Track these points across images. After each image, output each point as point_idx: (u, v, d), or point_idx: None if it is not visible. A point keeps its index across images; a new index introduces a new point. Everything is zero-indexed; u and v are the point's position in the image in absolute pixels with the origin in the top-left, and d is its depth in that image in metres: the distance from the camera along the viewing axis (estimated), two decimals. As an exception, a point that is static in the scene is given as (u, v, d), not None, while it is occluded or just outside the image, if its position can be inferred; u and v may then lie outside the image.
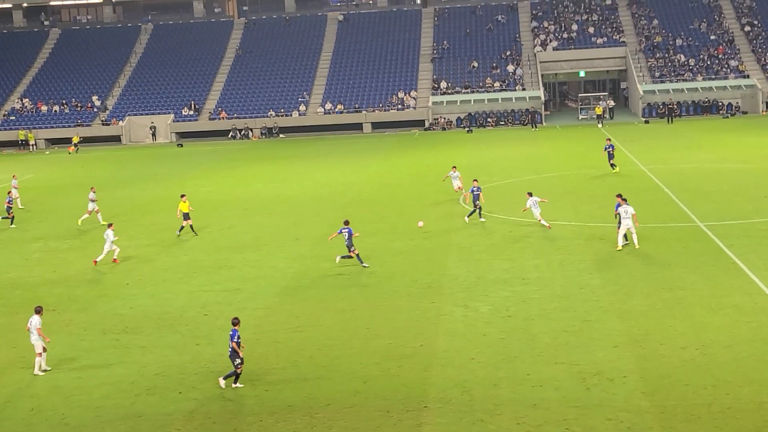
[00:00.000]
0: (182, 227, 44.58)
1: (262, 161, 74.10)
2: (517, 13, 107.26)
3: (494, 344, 26.94)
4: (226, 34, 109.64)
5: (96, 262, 39.51)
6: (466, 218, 43.92)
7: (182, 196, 45.70)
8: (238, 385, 24.61)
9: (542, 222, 41.65)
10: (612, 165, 56.22)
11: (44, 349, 26.91)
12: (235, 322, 25.10)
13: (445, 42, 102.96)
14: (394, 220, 45.85)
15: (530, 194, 42.51)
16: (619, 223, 37.04)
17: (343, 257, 36.82)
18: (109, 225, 40.29)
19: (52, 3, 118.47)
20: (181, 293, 34.50)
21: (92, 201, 49.05)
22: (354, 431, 21.67)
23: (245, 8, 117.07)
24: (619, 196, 37.63)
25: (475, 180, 45.44)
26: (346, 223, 36.92)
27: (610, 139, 59.65)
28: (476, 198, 44.04)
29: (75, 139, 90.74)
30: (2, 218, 50.24)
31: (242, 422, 22.47)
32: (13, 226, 49.60)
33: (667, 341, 26.21)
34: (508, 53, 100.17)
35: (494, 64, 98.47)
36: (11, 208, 50.31)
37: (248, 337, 28.82)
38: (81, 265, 40.08)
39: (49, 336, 28.07)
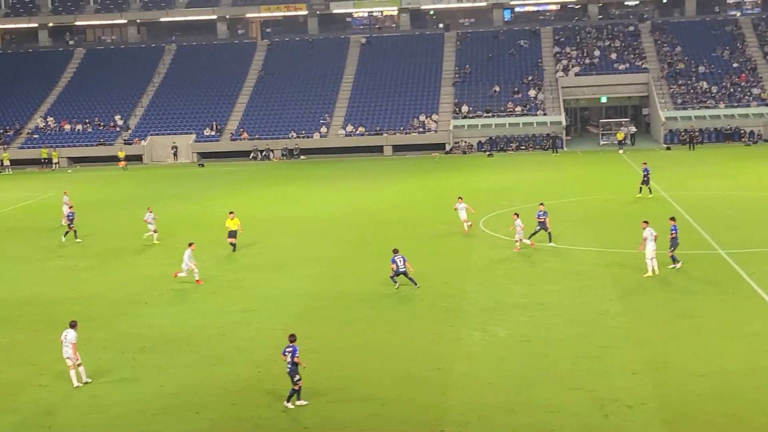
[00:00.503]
0: (233, 244, 45.26)
1: (282, 182, 74.23)
2: (539, 39, 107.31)
3: (512, 369, 26.80)
4: (249, 55, 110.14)
5: (176, 275, 39.68)
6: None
7: (230, 213, 46.06)
8: (302, 402, 24.47)
9: (524, 241, 42.20)
10: (641, 189, 56.15)
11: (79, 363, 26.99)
12: (293, 339, 25.02)
13: (467, 66, 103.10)
14: (412, 242, 45.66)
15: (517, 215, 42.98)
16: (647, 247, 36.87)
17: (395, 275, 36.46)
18: (190, 244, 39.81)
19: (77, 23, 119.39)
20: (198, 313, 34.51)
21: (150, 222, 48.78)
22: (369, 454, 21.58)
23: (268, 30, 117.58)
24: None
25: (542, 204, 44.56)
26: (396, 251, 36.64)
27: (646, 163, 59.04)
28: (542, 223, 43.37)
29: (121, 155, 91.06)
30: (65, 234, 50.44)
31: (257, 443, 22.41)
32: (78, 240, 50.14)
33: (687, 369, 26.00)
34: (530, 78, 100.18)
35: (516, 89, 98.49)
36: (71, 221, 50.40)
37: (265, 358, 28.79)
38: (100, 284, 40.16)
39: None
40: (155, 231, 48.65)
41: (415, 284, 36.19)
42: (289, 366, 24.55)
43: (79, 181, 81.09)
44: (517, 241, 42.47)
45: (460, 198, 48.97)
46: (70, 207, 51.99)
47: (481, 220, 50.45)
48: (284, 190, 68.62)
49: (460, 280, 37.93)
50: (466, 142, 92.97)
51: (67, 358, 26.90)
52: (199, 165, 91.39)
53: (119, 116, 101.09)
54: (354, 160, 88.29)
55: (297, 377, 24.45)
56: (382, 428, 22.97)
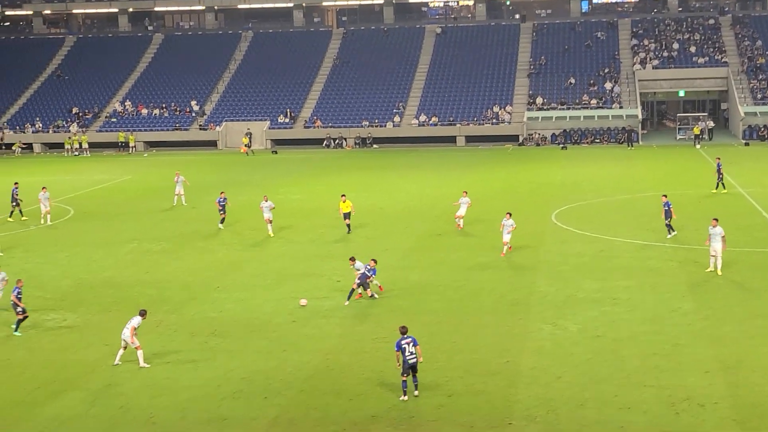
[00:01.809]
0: (348, 225, 46.31)
1: (354, 171, 74.43)
2: (616, 31, 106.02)
3: (582, 364, 26.59)
4: (325, 43, 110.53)
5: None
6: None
7: (342, 196, 46.89)
8: (404, 398, 24.21)
9: (506, 247, 40.68)
10: (718, 185, 55.30)
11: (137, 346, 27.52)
12: (404, 330, 24.76)
13: (542, 57, 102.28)
14: (483, 234, 45.55)
15: (509, 215, 41.23)
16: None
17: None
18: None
19: (156, 9, 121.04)
20: (269, 299, 34.78)
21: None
22: (436, 445, 21.58)
23: (344, 19, 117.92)
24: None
25: (664, 195, 43.91)
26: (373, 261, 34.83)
27: (719, 158, 58.06)
28: (668, 213, 42.79)
29: (245, 140, 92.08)
30: (221, 222, 49.05)
31: (325, 431, 22.53)
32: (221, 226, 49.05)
33: (760, 369, 25.56)
34: (606, 70, 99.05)
35: (591, 81, 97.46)
36: (224, 209, 49.01)
37: (334, 346, 28.95)
38: (173, 268, 40.68)
39: (140, 336, 28.51)
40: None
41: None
42: (412, 357, 24.12)
43: (154, 165, 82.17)
44: (505, 244, 40.74)
45: (465, 192, 48.31)
46: (222, 193, 50.13)
47: (553, 213, 50.09)
48: (356, 179, 68.79)
49: (531, 272, 37.71)
50: (539, 134, 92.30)
51: (123, 339, 27.58)
52: (273, 152, 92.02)
53: (195, 102, 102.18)
54: (426, 150, 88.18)
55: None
56: (449, 420, 22.95)
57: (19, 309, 31.48)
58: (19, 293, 31.62)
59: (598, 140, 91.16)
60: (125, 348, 27.77)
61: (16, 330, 31.32)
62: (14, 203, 53.20)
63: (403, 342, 24.33)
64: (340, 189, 62.24)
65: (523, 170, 71.59)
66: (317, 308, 33.25)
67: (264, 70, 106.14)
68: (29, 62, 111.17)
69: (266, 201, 46.79)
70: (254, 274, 39.02)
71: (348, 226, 46.54)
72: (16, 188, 53.72)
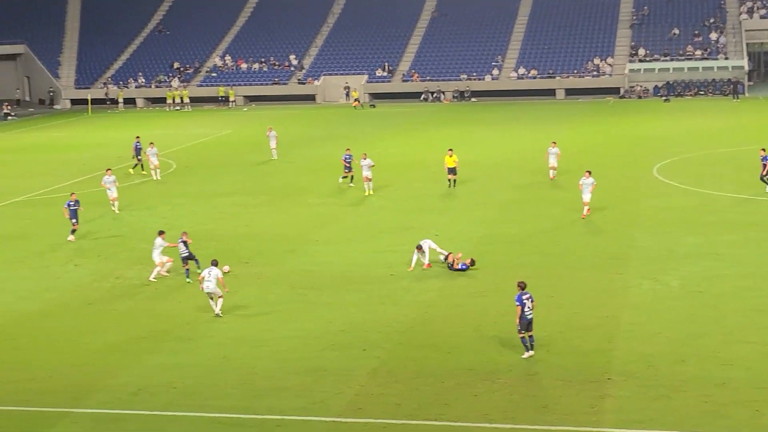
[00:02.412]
0: (449, 180, 46.28)
1: (452, 125, 74.10)
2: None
3: (682, 320, 26.24)
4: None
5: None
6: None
7: (449, 150, 46.68)
8: (529, 353, 24.03)
9: (586, 208, 38.77)
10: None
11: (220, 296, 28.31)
12: (522, 285, 24.48)
13: (645, 8, 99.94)
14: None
15: (589, 172, 39.14)
16: None
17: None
18: None
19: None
20: (366, 252, 35.01)
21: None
22: (535, 399, 21.57)
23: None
24: None
25: (763, 149, 42.99)
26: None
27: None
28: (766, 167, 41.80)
29: (355, 95, 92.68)
30: (342, 178, 48.15)
31: (424, 383, 22.68)
32: (351, 184, 47.91)
33: None
34: (712, 20, 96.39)
35: (696, 32, 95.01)
36: (350, 166, 47.73)
37: (432, 299, 29.07)
38: (271, 221, 41.17)
39: (240, 288, 29.09)
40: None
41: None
42: (530, 313, 24.00)
43: (253, 120, 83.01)
44: (585, 204, 38.55)
45: (553, 143, 48.30)
46: (347, 149, 48.61)
47: (654, 167, 49.24)
48: (454, 133, 68.47)
49: (630, 227, 37.21)
50: (641, 86, 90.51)
51: (209, 292, 28.25)
52: (371, 106, 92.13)
53: (294, 56, 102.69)
54: (525, 104, 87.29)
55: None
56: (548, 374, 22.90)
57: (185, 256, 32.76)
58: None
59: (702, 92, 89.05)
60: (220, 297, 28.31)
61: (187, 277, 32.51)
62: (137, 157, 54.29)
63: (524, 297, 24.19)
64: (438, 143, 62.11)
65: (624, 123, 70.41)
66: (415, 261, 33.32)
67: (362, 23, 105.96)
68: (132, 18, 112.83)
69: (365, 159, 46.20)
70: (352, 228, 39.29)
71: (450, 181, 46.30)
72: (138, 142, 54.68)
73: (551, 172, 47.04)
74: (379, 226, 39.17)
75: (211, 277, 28.23)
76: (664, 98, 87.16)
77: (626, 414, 20.55)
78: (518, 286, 24.59)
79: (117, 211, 43.41)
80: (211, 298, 28.50)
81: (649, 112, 77.07)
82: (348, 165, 47.88)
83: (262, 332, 26.86)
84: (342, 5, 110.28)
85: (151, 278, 32.52)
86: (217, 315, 28.23)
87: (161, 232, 33.11)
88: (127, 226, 38.87)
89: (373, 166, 46.19)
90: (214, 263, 28.79)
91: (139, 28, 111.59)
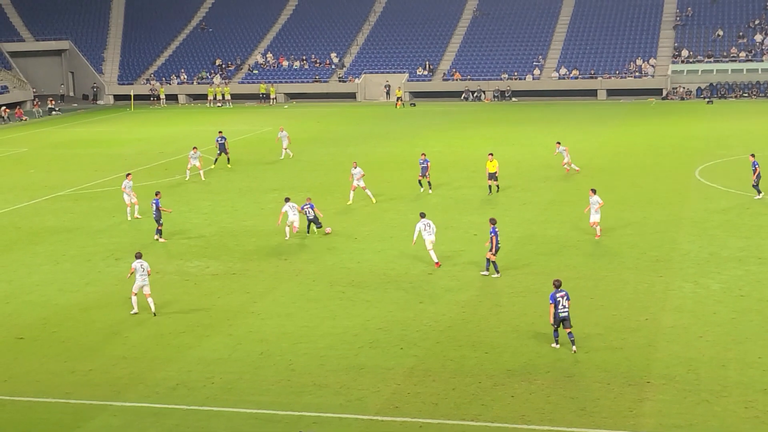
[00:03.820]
0: (490, 186, 44.87)
1: (492, 124, 73.89)
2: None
3: (724, 324, 25.96)
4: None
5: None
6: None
7: (489, 154, 45.34)
8: (555, 345, 24.65)
9: (597, 228, 35.92)
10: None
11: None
12: (558, 284, 24.72)
13: (689, 9, 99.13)
14: (625, 190, 44.74)
15: (594, 191, 36.54)
16: None
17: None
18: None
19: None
20: (407, 251, 34.95)
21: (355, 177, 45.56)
22: (573, 401, 21.43)
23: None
24: None
25: (752, 155, 42.82)
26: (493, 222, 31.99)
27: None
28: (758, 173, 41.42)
29: (398, 93, 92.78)
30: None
31: (461, 382, 22.63)
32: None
33: None
34: (757, 22, 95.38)
35: (741, 33, 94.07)
36: (426, 170, 45.82)
37: (470, 299, 28.98)
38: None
39: (280, 284, 29.10)
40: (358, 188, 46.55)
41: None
42: (564, 311, 24.32)
43: (293, 117, 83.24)
44: (594, 224, 35.78)
45: (558, 143, 50.52)
46: (423, 154, 46.62)
47: (697, 169, 48.81)
48: (495, 132, 68.29)
49: (673, 230, 36.90)
50: (684, 87, 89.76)
51: (144, 285, 28.44)
52: (411, 104, 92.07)
53: (335, 54, 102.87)
54: (566, 104, 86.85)
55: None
56: (586, 375, 22.75)
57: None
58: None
59: (746, 94, 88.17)
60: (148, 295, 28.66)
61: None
62: (223, 152, 54.86)
63: (558, 295, 24.29)
64: (478, 142, 62.00)
65: (666, 125, 69.85)
66: (454, 261, 33.26)
67: (403, 21, 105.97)
68: (175, 15, 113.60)
69: (355, 167, 44.25)
70: (392, 225, 39.27)
71: (491, 187, 44.74)
72: (221, 136, 55.28)
73: (571, 166, 49.29)
74: (418, 225, 39.08)
75: (143, 271, 28.52)
76: (707, 100, 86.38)
77: (666, 418, 20.37)
78: (553, 284, 24.70)
79: (139, 216, 41.84)
80: (141, 294, 28.65)
81: (692, 113, 76.39)
82: (424, 168, 45.82)
83: (301, 329, 26.91)
84: (384, 4, 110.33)
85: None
86: (135, 311, 28.68)
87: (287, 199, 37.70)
88: (167, 221, 39.08)
89: (363, 175, 44.31)
90: (138, 255, 29.00)
91: (181, 25, 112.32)
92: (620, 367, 23.16)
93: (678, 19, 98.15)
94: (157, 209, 37.48)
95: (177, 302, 29.94)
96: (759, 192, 41.50)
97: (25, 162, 61.17)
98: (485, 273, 31.39)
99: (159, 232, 37.72)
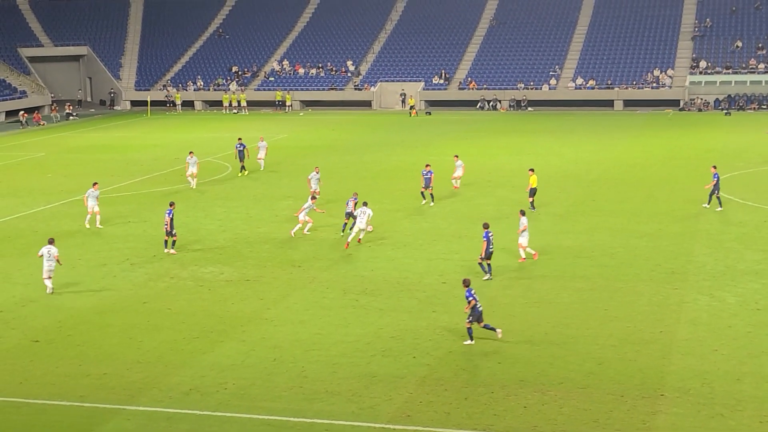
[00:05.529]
0: (531, 203, 42.62)
1: (508, 134, 73.80)
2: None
3: (740, 337, 25.83)
4: (481, 3, 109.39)
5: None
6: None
7: (530, 170, 43.77)
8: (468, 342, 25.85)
9: (527, 250, 34.89)
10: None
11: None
12: (467, 283, 26.41)
13: (707, 20, 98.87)
14: (641, 202, 44.63)
15: (523, 212, 35.38)
16: None
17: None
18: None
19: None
20: (420, 259, 34.94)
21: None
22: (586, 412, 21.34)
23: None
24: None
25: (714, 166, 42.95)
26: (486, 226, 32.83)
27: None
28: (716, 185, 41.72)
29: (411, 102, 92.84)
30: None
31: (473, 392, 22.57)
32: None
33: None
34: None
35: (760, 45, 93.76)
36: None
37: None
38: (325, 225, 41.18)
39: (294, 291, 29.05)
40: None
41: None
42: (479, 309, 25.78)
43: (309, 124, 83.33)
44: (523, 248, 34.55)
45: (456, 156, 49.15)
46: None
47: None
48: (510, 142, 68.21)
49: (689, 242, 36.76)
50: (702, 99, 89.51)
51: (49, 270, 31.50)
52: (427, 113, 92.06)
53: (351, 61, 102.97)
54: (583, 114, 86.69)
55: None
56: (600, 387, 22.66)
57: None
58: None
59: (764, 106, 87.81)
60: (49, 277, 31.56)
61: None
62: (242, 159, 54.93)
63: (472, 294, 25.96)
64: (495, 152, 61.84)
65: (683, 136, 69.64)
66: (468, 269, 33.19)
67: (419, 30, 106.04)
68: (193, 21, 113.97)
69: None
70: (406, 234, 39.24)
71: (532, 203, 42.54)
72: (241, 143, 55.30)
73: (455, 182, 48.15)
74: (432, 234, 39.09)
75: (50, 256, 31.25)
76: (725, 111, 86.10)
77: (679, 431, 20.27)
78: (463, 283, 26.47)
79: (99, 226, 41.30)
80: (49, 277, 31.35)
81: (710, 125, 76.15)
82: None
83: (314, 336, 26.90)
84: (400, 12, 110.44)
85: (291, 232, 38.82)
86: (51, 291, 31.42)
87: (313, 198, 39.96)
88: (182, 226, 39.14)
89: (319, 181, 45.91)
90: (51, 241, 31.95)
91: (199, 32, 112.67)
92: (634, 379, 23.06)
93: (696, 30, 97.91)
94: (171, 220, 36.63)
95: (191, 308, 29.98)
96: (719, 204, 42.00)
97: (42, 166, 61.45)
98: (487, 278, 31.95)
99: (171, 243, 36.85)
